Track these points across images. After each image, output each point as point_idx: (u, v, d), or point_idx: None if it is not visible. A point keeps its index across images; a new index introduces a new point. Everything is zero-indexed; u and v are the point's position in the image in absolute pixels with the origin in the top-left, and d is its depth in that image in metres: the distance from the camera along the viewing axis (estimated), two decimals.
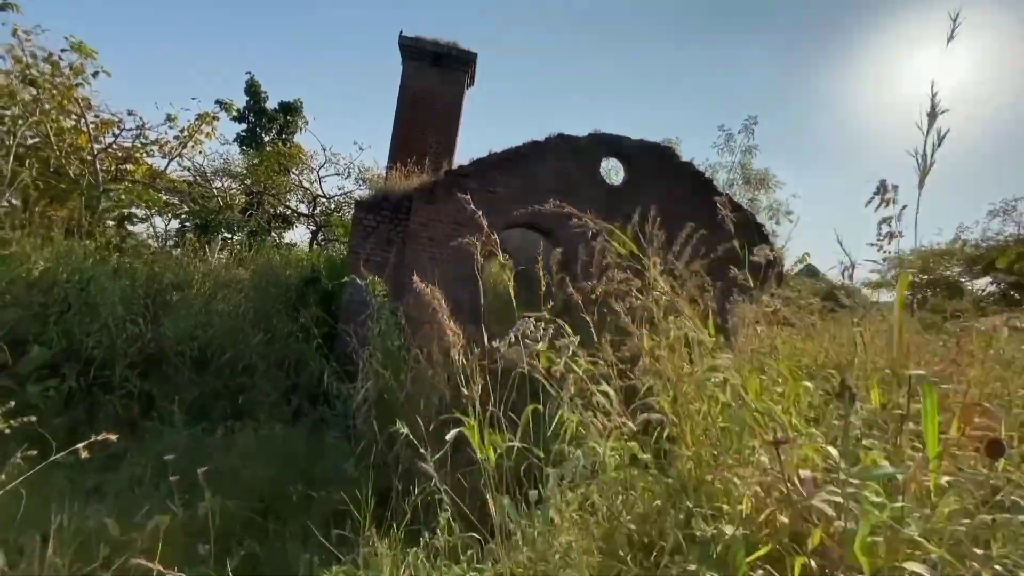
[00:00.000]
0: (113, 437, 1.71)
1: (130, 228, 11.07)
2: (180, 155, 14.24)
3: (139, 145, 13.90)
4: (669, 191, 7.24)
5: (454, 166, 7.78)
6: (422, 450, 2.75)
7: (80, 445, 1.73)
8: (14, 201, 8.65)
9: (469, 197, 6.45)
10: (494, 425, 3.21)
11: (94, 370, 4.30)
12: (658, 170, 7.26)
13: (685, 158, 7.51)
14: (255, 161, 15.99)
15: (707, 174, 7.80)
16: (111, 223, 7.20)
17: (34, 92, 7.28)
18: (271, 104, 19.78)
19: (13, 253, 4.75)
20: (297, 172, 16.71)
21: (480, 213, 6.53)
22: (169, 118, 13.71)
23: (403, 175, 7.67)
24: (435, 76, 9.26)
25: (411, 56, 9.19)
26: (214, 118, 14.21)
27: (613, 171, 8.81)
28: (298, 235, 17.59)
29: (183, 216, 14.81)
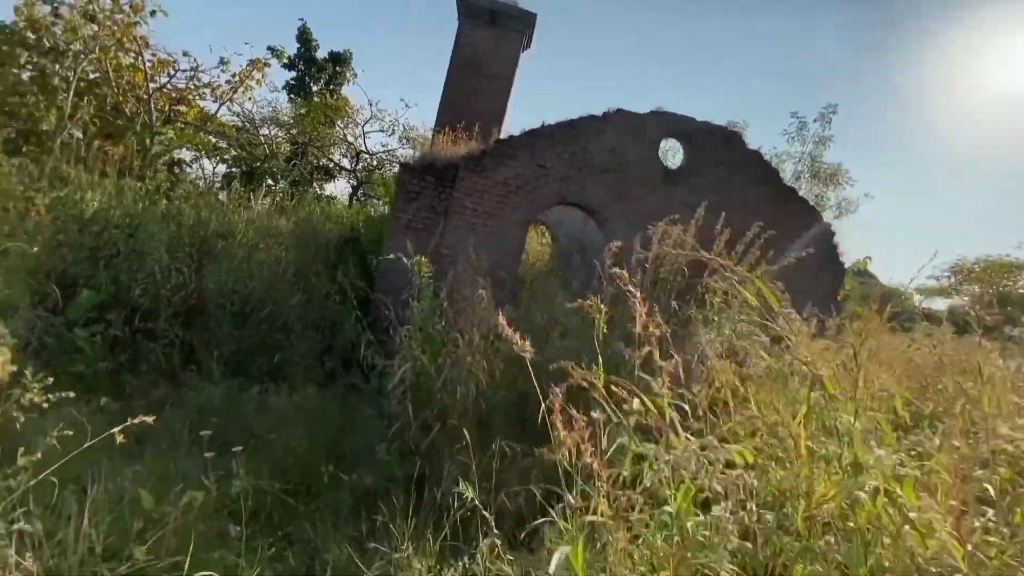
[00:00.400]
0: (150, 419, 1.63)
1: (179, 172, 11.27)
2: (231, 100, 14.29)
3: (192, 87, 13.99)
4: (731, 179, 6.79)
5: (503, 135, 7.47)
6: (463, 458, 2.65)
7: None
8: (76, 133, 8.85)
9: (517, 169, 6.14)
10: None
11: (139, 318, 4.37)
12: (721, 155, 6.79)
13: (751, 145, 6.99)
14: (302, 111, 15.94)
15: (773, 164, 7.25)
16: (162, 167, 7.26)
17: (95, 28, 7.28)
18: (321, 53, 19.56)
19: (69, 192, 4.81)
20: (342, 125, 16.62)
21: (528, 187, 6.23)
22: (222, 61, 13.68)
23: (450, 140, 7.42)
24: (490, 36, 8.83)
25: (467, 13, 8.76)
26: (265, 64, 14.12)
27: (670, 152, 8.32)
28: (338, 188, 17.61)
29: (229, 161, 14.98)
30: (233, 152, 15.53)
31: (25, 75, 9.56)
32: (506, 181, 6.58)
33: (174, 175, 7.65)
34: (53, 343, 3.70)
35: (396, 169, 15.95)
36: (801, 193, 7.32)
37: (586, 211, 7.04)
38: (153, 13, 8.28)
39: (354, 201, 15.74)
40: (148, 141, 7.33)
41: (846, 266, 7.13)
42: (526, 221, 6.71)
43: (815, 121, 9.65)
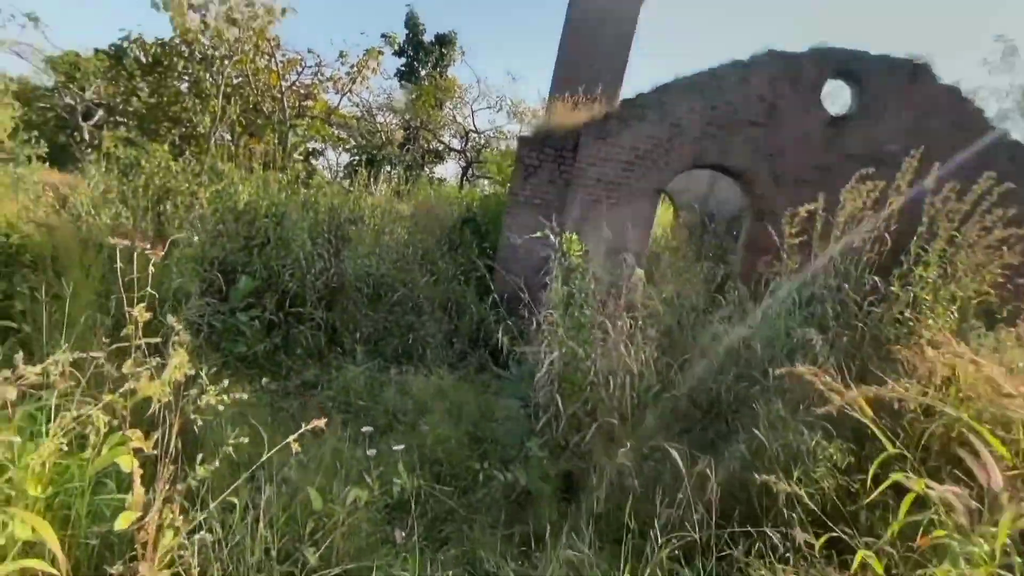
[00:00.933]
0: (322, 423, 1.47)
1: (312, 163, 12.15)
2: (350, 91, 15.10)
3: (317, 82, 14.99)
4: (920, 125, 5.51)
5: (625, 96, 6.81)
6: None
7: None
8: (226, 136, 9.85)
9: (647, 131, 5.49)
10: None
11: (289, 302, 4.60)
12: (903, 96, 5.52)
13: (944, 80, 5.58)
14: (413, 96, 16.37)
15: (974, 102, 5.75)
16: (299, 157, 7.74)
17: (236, 32, 7.88)
18: (427, 37, 19.91)
19: (224, 186, 5.19)
20: (451, 106, 16.81)
21: (659, 151, 5.57)
22: (341, 55, 14.42)
23: (569, 107, 6.94)
24: None
25: None
26: (379, 52, 14.62)
27: (831, 98, 7.02)
28: (448, 170, 18.00)
29: (353, 150, 15.89)
30: (354, 141, 16.49)
31: (183, 85, 10.82)
32: (634, 146, 5.98)
33: (309, 165, 8.16)
34: (220, 327, 3.99)
35: (504, 146, 15.87)
36: (1015, 137, 5.75)
37: (728, 173, 6.20)
38: (283, 11, 8.76)
39: (464, 181, 15.94)
40: (285, 135, 7.82)
41: None
42: (656, 189, 6.07)
43: None
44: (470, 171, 16.21)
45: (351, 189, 9.15)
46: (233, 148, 7.32)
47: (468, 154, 16.32)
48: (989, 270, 3.21)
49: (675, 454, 2.30)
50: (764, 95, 5.70)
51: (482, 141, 16.21)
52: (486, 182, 15.67)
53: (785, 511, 2.19)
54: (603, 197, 6.14)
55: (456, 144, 16.94)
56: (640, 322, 2.76)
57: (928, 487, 1.20)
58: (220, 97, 7.67)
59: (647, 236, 6.24)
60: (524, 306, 3.65)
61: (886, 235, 3.36)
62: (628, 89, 9.27)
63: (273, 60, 12.24)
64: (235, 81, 11.34)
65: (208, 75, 7.94)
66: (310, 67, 14.50)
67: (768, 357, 3.25)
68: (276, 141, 8.58)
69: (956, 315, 3.10)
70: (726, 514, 2.41)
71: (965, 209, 3.27)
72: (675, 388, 3.28)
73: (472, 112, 15.88)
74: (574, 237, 2.80)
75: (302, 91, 14.75)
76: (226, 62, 8.10)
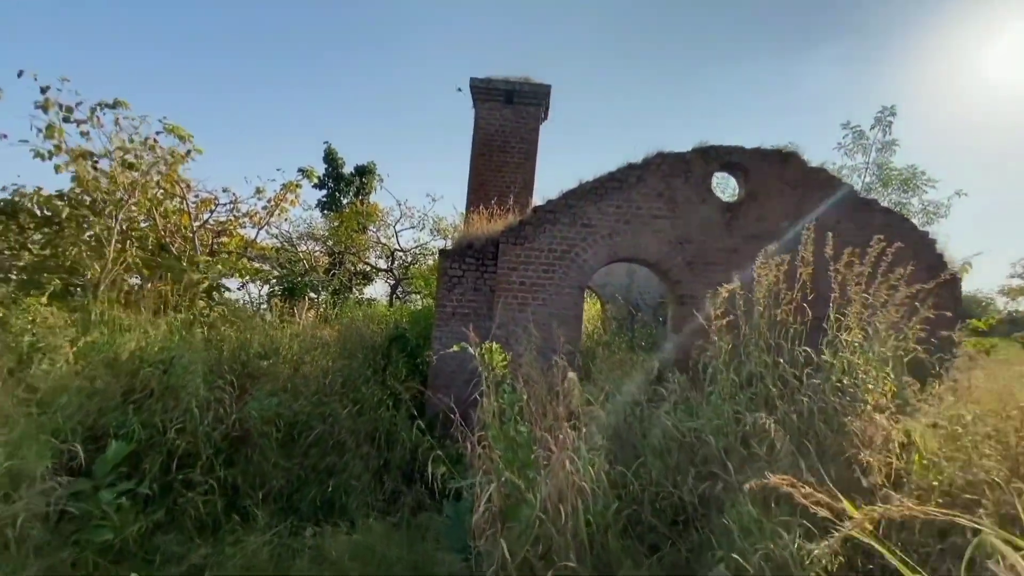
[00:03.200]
0: None
1: (226, 295, 11.46)
2: (268, 223, 14.94)
3: (233, 218, 14.75)
4: (800, 203, 6.07)
5: (536, 204, 7.11)
6: None
7: None
8: (133, 280, 9.09)
9: (561, 233, 5.61)
10: None
11: (176, 463, 3.84)
12: (781, 179, 6.13)
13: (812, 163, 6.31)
14: (335, 223, 16.50)
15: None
16: (202, 294, 7.16)
17: (134, 176, 7.60)
18: (347, 168, 20.75)
19: (100, 337, 4.54)
20: (375, 229, 17.04)
21: (576, 250, 5.66)
22: (258, 191, 14.47)
23: (484, 219, 7.10)
24: (508, 114, 8.83)
25: (482, 98, 8.84)
26: (297, 185, 14.84)
27: (720, 188, 7.72)
28: (377, 290, 17.78)
29: (272, 280, 15.36)
30: (275, 272, 16.01)
31: (87, 234, 10.14)
32: (551, 248, 6.08)
33: (213, 300, 7.53)
34: (77, 512, 3.17)
35: (432, 260, 16.05)
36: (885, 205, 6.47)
37: (645, 264, 6.39)
38: (188, 152, 8.69)
39: (394, 299, 15.69)
40: (184, 273, 7.30)
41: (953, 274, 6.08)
42: (579, 287, 6.10)
43: (872, 128, 8.88)
44: (399, 289, 16.07)
45: (267, 320, 8.56)
46: (136, 292, 6.69)
47: (396, 272, 16.29)
48: (910, 326, 3.27)
49: None
50: (662, 191, 6.12)
51: (408, 258, 16.33)
52: (418, 296, 15.52)
53: None
54: (528, 299, 6.06)
55: (383, 264, 16.93)
56: (583, 430, 2.43)
57: None
58: (111, 244, 7.15)
59: (579, 332, 6.13)
60: (457, 428, 3.23)
61: (804, 306, 3.39)
62: (539, 197, 9.80)
63: (184, 202, 11.97)
64: (142, 224, 10.84)
65: (100, 220, 7.46)
66: (224, 204, 14.35)
67: (723, 446, 2.99)
68: (176, 278, 8.00)
69: (891, 375, 3.05)
70: None
71: (867, 271, 3.40)
72: (634, 499, 2.89)
73: (396, 233, 16.14)
74: (494, 347, 2.53)
75: (216, 228, 14.41)
76: (123, 206, 7.70)
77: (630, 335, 7.53)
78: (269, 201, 14.41)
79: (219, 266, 9.33)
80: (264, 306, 14.57)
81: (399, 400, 5.37)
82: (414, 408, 5.24)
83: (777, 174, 6.14)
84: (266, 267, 16.41)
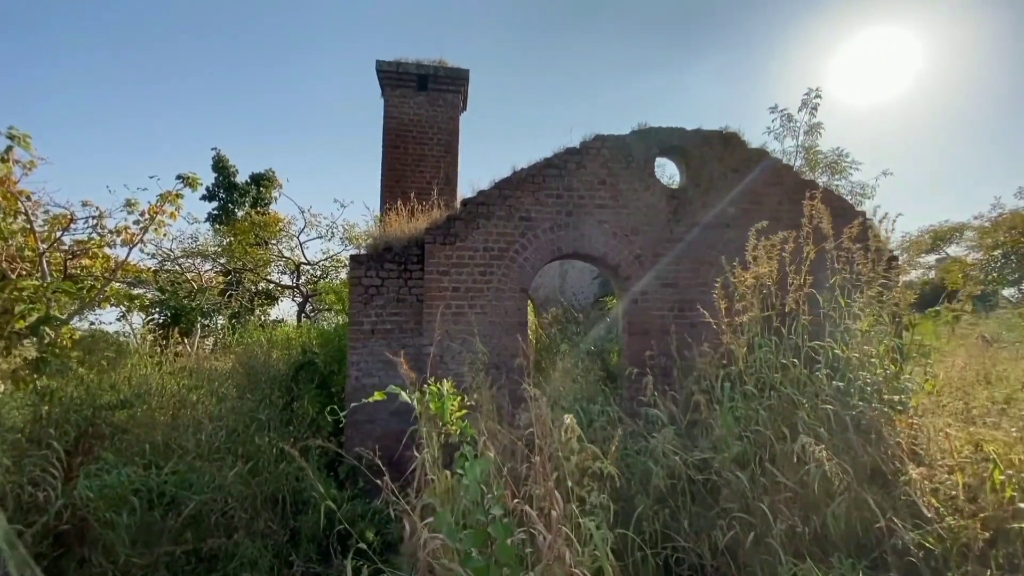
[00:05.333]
0: None
1: (82, 328, 9.38)
2: (143, 241, 12.70)
3: (98, 237, 12.36)
4: (744, 187, 5.75)
5: (461, 199, 6.26)
6: None
7: None
8: None
9: (497, 229, 4.79)
10: None
11: None
12: (723, 163, 5.77)
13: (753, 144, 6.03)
14: (229, 238, 14.48)
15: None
16: (26, 331, 5.44)
17: None
18: (241, 177, 18.47)
19: None
20: (276, 242, 15.19)
21: (515, 247, 4.86)
22: (128, 203, 12.25)
23: (404, 217, 6.12)
24: (423, 102, 7.89)
25: (392, 83, 7.83)
26: (178, 196, 12.76)
27: (663, 176, 7.32)
28: (284, 310, 15.86)
29: (150, 307, 13.07)
30: (155, 296, 13.70)
31: None
32: (486, 246, 5.24)
33: (42, 340, 5.78)
34: None
35: (344, 273, 14.55)
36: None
37: (590, 260, 5.75)
38: (30, 162, 6.82)
39: (302, 319, 13.98)
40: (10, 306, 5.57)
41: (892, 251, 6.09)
42: (522, 289, 5.31)
43: (799, 110, 9.00)
44: (308, 306, 14.36)
45: (142, 355, 6.89)
46: None
47: (303, 289, 14.56)
48: (883, 306, 2.83)
49: None
50: (604, 178, 5.52)
51: (318, 272, 14.68)
52: (331, 313, 13.94)
53: None
54: (465, 308, 5.17)
55: (287, 280, 15.12)
56: (588, 497, 1.61)
57: None
58: None
59: (527, 341, 5.32)
60: (384, 484, 2.28)
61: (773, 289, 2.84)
62: (468, 192, 8.98)
63: (26, 217, 9.70)
64: None
65: None
66: (83, 219, 11.97)
67: (754, 486, 2.30)
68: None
69: (925, 368, 2.55)
70: None
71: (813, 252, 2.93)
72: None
73: (300, 244, 14.44)
74: (445, 388, 1.63)
75: (74, 249, 11.98)
76: None
77: (576, 340, 6.87)
78: (143, 215, 12.25)
79: (64, 294, 7.42)
80: (150, 338, 12.36)
81: (307, 448, 4.24)
82: (330, 455, 4.16)
83: (718, 157, 5.77)
84: (145, 292, 14.04)
